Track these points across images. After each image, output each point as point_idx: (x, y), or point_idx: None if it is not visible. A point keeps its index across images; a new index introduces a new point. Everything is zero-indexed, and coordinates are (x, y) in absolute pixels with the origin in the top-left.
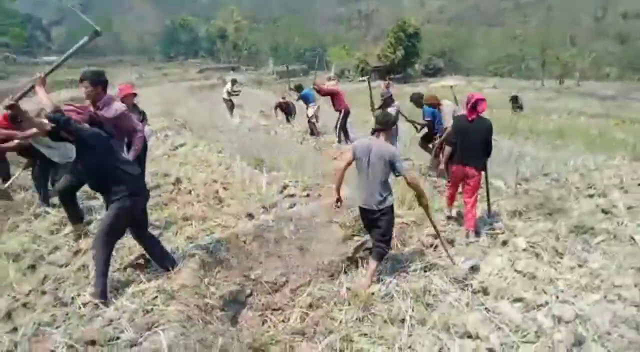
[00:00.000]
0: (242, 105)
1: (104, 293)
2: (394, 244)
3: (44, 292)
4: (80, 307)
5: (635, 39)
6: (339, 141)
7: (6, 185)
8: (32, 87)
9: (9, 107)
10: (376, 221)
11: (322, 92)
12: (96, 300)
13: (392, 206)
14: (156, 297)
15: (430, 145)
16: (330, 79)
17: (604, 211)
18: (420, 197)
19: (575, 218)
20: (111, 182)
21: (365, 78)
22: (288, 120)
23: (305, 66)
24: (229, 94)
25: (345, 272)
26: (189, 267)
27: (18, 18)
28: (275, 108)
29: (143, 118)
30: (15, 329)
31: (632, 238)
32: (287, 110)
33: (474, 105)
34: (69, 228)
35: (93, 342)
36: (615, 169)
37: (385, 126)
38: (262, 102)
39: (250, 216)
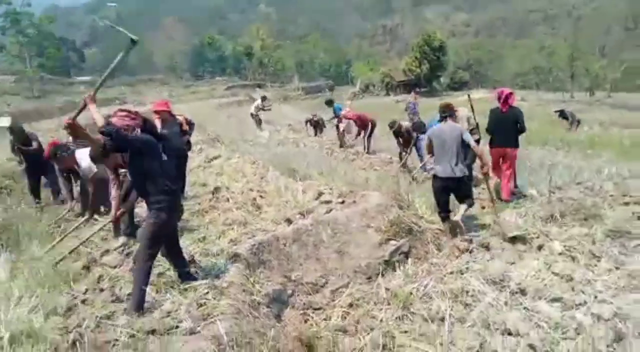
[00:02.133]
0: (271, 120)
1: (140, 306)
2: (430, 249)
3: (101, 290)
4: None
5: None
6: (368, 152)
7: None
8: (85, 105)
9: (68, 126)
10: (459, 186)
11: (346, 119)
12: (131, 314)
13: (469, 175)
14: (207, 292)
15: None
16: (354, 94)
17: None
18: (482, 165)
19: (611, 224)
20: (152, 189)
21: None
22: (316, 134)
23: (331, 82)
24: (258, 109)
25: (383, 275)
26: (236, 266)
27: (54, 40)
28: (306, 123)
29: (189, 127)
30: (79, 325)
31: None
32: (316, 125)
33: (506, 99)
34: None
35: (153, 332)
36: None
37: (450, 112)
38: (289, 117)
39: (288, 221)
